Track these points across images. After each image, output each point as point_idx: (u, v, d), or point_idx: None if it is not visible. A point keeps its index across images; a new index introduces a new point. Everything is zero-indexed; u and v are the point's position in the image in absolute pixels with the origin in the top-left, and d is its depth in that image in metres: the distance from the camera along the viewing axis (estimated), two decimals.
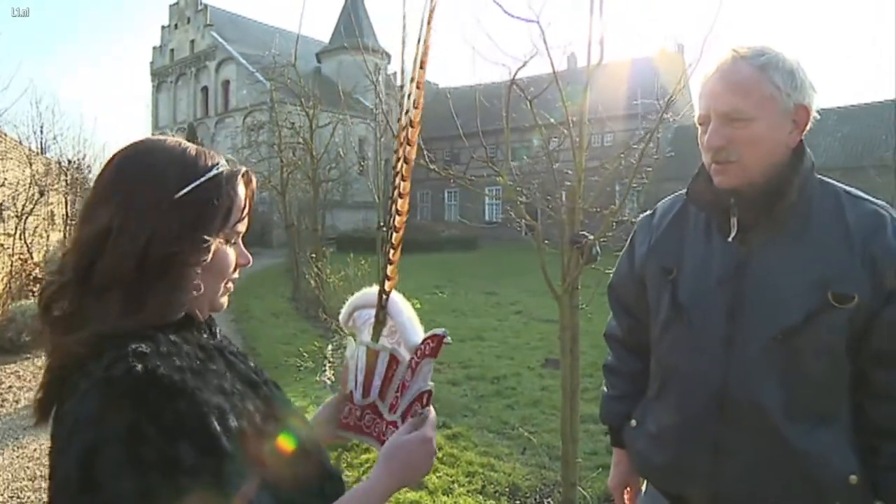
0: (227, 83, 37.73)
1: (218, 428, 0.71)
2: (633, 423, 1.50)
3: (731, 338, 1.26)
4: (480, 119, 3.55)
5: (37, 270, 11.07)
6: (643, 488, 1.57)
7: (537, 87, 3.33)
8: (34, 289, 10.16)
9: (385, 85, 9.51)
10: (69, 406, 0.71)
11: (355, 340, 1.17)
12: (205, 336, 0.86)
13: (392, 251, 1.09)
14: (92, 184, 0.86)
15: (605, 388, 1.66)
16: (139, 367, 0.70)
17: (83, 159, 16.07)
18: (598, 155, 3.82)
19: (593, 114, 3.21)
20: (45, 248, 12.63)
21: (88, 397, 0.70)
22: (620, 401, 1.57)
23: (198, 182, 0.82)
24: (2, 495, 3.85)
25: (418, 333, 1.08)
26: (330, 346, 5.11)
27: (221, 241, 0.85)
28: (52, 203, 13.38)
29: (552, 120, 3.50)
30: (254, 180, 0.91)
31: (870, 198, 1.27)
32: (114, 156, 0.84)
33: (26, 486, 3.99)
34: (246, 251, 0.92)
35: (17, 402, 5.72)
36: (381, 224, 8.19)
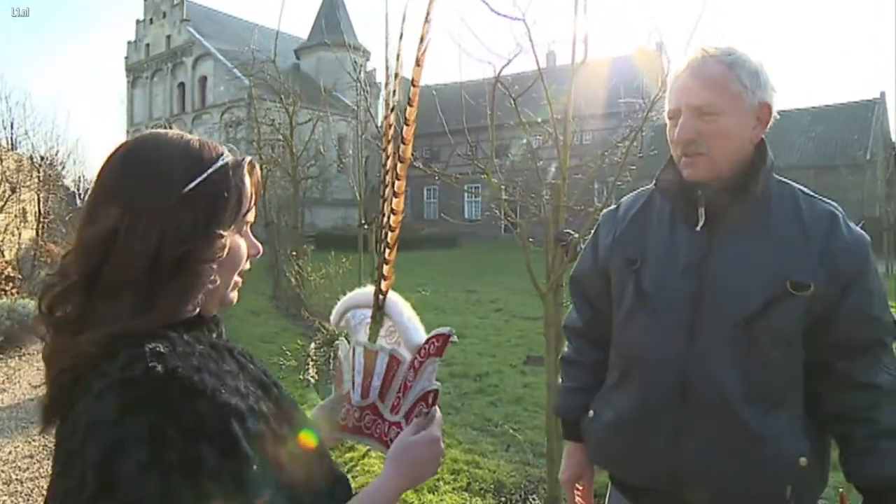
0: (203, 79, 37.26)
1: (239, 430, 0.69)
2: (591, 413, 1.51)
3: (693, 325, 1.31)
4: (461, 117, 3.55)
5: (9, 269, 10.83)
6: (608, 492, 1.58)
7: (520, 86, 3.33)
8: (6, 288, 9.94)
9: (366, 82, 9.46)
10: (83, 406, 0.68)
11: (348, 341, 1.15)
12: (214, 336, 0.84)
13: (388, 250, 1.07)
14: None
15: (561, 380, 1.67)
16: (159, 367, 0.68)
17: (56, 155, 15.77)
18: (578, 153, 3.83)
19: (576, 112, 3.22)
20: (16, 247, 12.36)
21: (105, 398, 0.67)
22: (580, 392, 1.58)
23: (205, 175, 0.79)
24: None
25: (420, 333, 1.06)
26: (313, 345, 5.07)
27: (234, 233, 0.84)
28: (23, 200, 13.09)
29: (537, 118, 3.51)
30: (258, 168, 0.89)
31: (823, 198, 1.36)
32: (114, 152, 0.81)
33: (0, 490, 3.90)
34: (255, 241, 0.90)
35: None
36: (363, 222, 8.16)
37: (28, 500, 3.78)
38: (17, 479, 4.02)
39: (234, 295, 0.89)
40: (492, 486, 3.74)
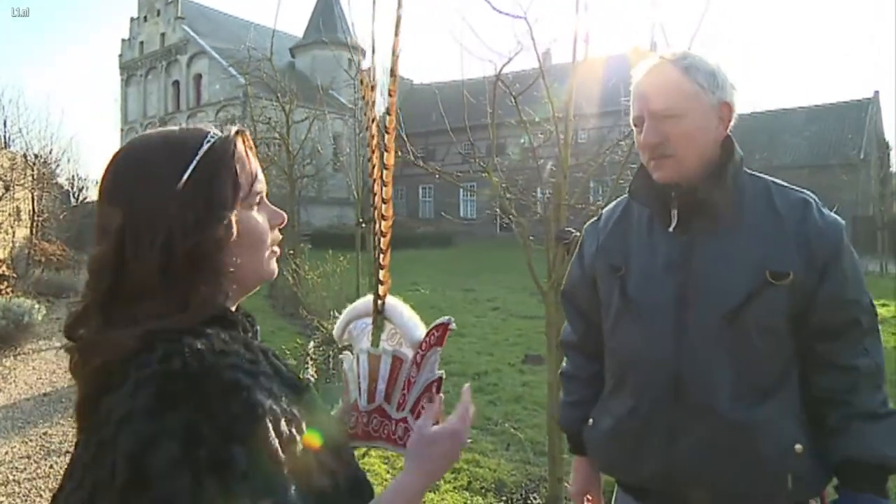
0: (198, 77, 37.12)
1: (271, 433, 0.68)
2: (591, 422, 1.54)
3: (680, 324, 1.33)
4: (458, 115, 3.54)
5: (3, 268, 10.78)
6: (614, 493, 1.58)
7: (520, 84, 3.32)
8: (0, 287, 9.90)
9: (360, 81, 9.43)
10: (117, 397, 0.68)
11: (352, 352, 1.16)
12: (248, 335, 0.83)
13: (382, 255, 1.09)
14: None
15: (561, 395, 1.70)
16: (196, 363, 0.68)
17: (50, 153, 15.71)
18: (575, 152, 3.83)
19: (575, 110, 3.22)
20: (10, 245, 12.30)
21: (143, 389, 0.66)
22: (578, 406, 1.61)
23: (194, 164, 0.78)
24: None
25: (421, 330, 1.08)
26: (311, 344, 5.06)
27: (244, 210, 0.82)
28: (17, 199, 13.03)
29: (536, 117, 3.50)
30: (248, 134, 0.87)
31: (795, 187, 1.38)
32: (108, 162, 0.81)
33: None
34: (277, 209, 0.88)
35: None
36: (360, 221, 8.15)
37: (25, 501, 3.75)
38: (14, 480, 4.00)
39: (272, 267, 0.88)
40: (492, 484, 3.74)
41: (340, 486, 0.78)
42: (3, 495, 3.81)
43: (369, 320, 1.15)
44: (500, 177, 3.52)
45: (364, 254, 6.94)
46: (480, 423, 4.88)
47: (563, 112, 3.14)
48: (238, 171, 0.81)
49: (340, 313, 1.21)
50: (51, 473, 4.11)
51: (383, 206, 1.11)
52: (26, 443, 4.66)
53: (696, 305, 1.32)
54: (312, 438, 0.75)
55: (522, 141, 3.63)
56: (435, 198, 34.34)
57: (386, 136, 1.09)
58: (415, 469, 0.90)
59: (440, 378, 1.02)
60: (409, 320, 1.10)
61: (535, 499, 3.54)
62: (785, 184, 1.40)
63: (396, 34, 1.07)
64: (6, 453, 4.44)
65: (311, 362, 4.92)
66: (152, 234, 0.74)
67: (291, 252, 8.24)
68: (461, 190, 26.01)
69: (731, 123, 1.37)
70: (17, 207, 13.10)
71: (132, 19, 41.14)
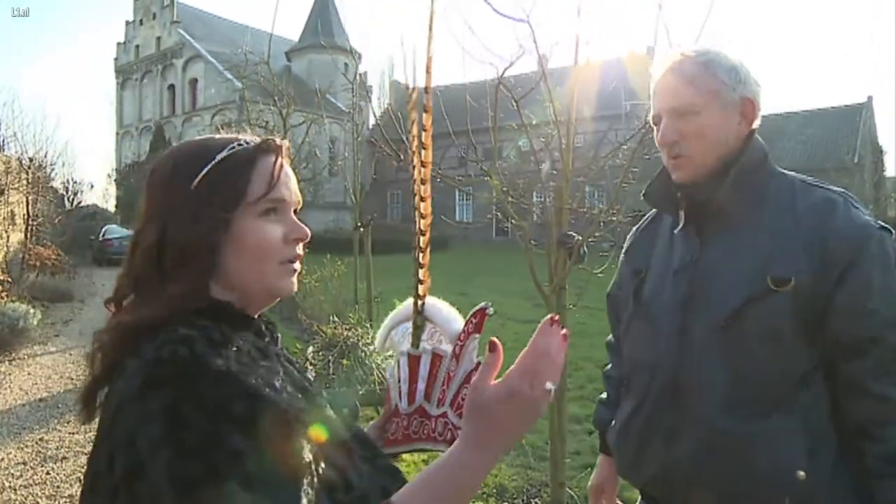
0: (194, 81, 37.05)
1: (270, 420, 0.68)
2: (613, 423, 1.53)
3: (683, 327, 1.30)
4: (458, 118, 3.54)
5: None
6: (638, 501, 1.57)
7: (521, 88, 3.32)
8: None
9: (358, 85, 9.43)
10: (115, 387, 0.72)
11: (394, 359, 1.16)
12: (266, 340, 0.84)
13: (421, 255, 1.08)
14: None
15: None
16: (186, 350, 0.69)
17: (45, 157, 15.64)
18: (573, 156, 3.83)
19: (576, 115, 3.21)
20: (5, 249, 12.22)
21: (134, 377, 0.69)
22: (607, 406, 1.60)
23: (208, 167, 0.80)
24: None
25: (459, 322, 1.07)
26: (311, 348, 5.04)
27: (250, 217, 0.81)
28: (12, 203, 12.96)
29: (533, 120, 3.50)
30: (282, 145, 0.86)
31: (826, 185, 1.29)
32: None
33: None
34: (300, 223, 0.86)
35: None
36: (358, 224, 8.13)
37: None
38: (10, 487, 3.95)
39: (285, 284, 0.86)
40: (494, 490, 3.71)
41: (351, 482, 0.77)
42: None
43: (409, 324, 1.15)
44: (502, 180, 3.51)
45: (362, 258, 6.92)
46: None
47: (565, 115, 3.13)
48: (251, 178, 0.82)
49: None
50: (47, 480, 4.07)
51: (422, 204, 1.09)
52: (22, 449, 4.61)
53: (698, 308, 1.29)
54: (318, 432, 0.74)
55: (521, 143, 3.63)
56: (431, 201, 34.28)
57: (423, 134, 1.08)
58: (472, 440, 0.74)
59: (478, 364, 0.98)
60: (449, 315, 1.11)
61: None
62: (815, 182, 1.31)
63: (430, 32, 1.05)
64: (2, 459, 4.39)
65: (310, 367, 4.89)
66: (158, 222, 0.79)
67: None
68: (457, 193, 26.03)
69: (757, 121, 1.31)
70: (12, 211, 13.02)
71: (128, 23, 41.08)
